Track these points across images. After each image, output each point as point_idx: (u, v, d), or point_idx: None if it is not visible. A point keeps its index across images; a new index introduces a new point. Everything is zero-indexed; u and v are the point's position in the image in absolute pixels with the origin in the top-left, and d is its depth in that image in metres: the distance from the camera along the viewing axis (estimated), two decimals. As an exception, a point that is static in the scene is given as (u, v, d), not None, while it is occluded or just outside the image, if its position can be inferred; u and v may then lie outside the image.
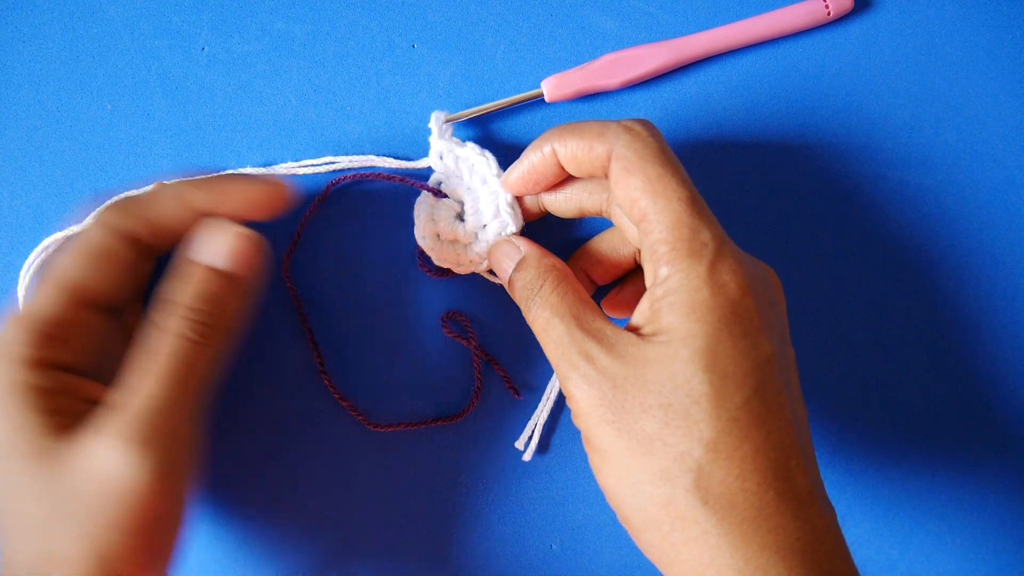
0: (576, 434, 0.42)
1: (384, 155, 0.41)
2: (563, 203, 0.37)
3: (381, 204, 0.42)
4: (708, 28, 0.41)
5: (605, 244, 0.39)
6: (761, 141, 0.42)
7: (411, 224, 0.40)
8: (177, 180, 0.36)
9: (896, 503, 0.43)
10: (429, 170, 0.41)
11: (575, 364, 0.33)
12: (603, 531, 0.42)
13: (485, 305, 0.42)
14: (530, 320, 0.35)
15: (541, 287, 0.35)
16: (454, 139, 0.39)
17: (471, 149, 0.39)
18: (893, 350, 0.43)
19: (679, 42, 0.41)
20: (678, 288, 0.31)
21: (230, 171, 0.40)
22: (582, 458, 0.42)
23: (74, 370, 0.34)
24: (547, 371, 0.42)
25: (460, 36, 0.42)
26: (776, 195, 0.42)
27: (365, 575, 0.42)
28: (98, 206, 0.37)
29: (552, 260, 0.36)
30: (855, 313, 0.43)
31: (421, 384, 0.42)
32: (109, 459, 0.31)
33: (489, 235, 0.39)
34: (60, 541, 0.31)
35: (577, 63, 0.41)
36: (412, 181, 0.40)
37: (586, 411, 0.32)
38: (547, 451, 0.42)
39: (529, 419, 0.42)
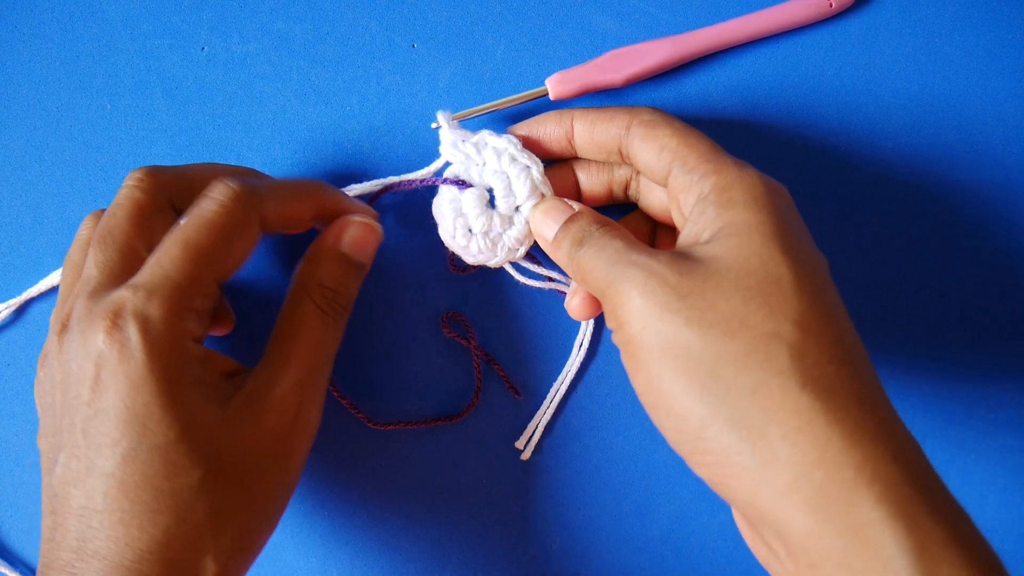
0: (577, 433, 0.42)
1: (399, 174, 0.40)
2: (595, 176, 0.39)
3: (384, 208, 0.42)
4: (708, 27, 0.41)
5: (621, 223, 0.39)
6: (763, 138, 0.42)
7: (429, 228, 0.40)
8: (305, 181, 0.37)
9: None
10: (442, 169, 0.40)
11: (635, 261, 0.31)
12: (603, 531, 0.42)
13: (485, 305, 0.42)
14: (583, 252, 0.33)
15: (605, 227, 0.34)
16: (464, 130, 0.39)
17: (488, 134, 0.38)
18: (890, 352, 0.43)
19: (682, 37, 0.41)
20: (733, 185, 0.31)
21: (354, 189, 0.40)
22: (582, 458, 0.42)
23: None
24: (547, 371, 0.42)
25: (460, 36, 0.42)
26: (776, 195, 0.42)
27: (365, 575, 0.42)
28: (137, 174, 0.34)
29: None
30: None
31: (421, 384, 0.42)
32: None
33: (525, 216, 0.38)
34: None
35: (577, 63, 0.41)
36: (433, 180, 0.39)
37: (644, 305, 0.29)
38: (547, 451, 0.42)
39: (529, 419, 0.42)
